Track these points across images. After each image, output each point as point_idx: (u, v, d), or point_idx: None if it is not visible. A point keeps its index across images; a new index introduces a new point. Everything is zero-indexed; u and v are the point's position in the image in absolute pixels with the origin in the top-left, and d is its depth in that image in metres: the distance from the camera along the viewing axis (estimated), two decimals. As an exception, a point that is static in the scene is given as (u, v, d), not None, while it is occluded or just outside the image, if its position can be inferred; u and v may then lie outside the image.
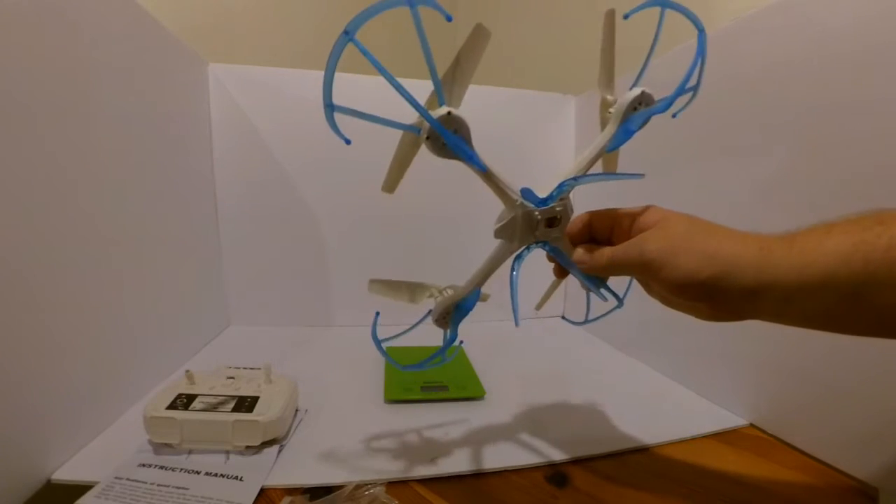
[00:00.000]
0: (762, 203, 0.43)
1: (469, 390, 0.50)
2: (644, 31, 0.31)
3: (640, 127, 0.31)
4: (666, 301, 0.30)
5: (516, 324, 0.32)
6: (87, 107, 0.40)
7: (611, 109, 0.33)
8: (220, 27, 0.88)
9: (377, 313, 0.34)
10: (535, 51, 1.02)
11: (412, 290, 0.37)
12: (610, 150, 0.33)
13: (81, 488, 0.32)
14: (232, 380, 0.42)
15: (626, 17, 0.29)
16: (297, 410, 0.44)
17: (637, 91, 0.31)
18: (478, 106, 0.80)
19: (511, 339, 0.72)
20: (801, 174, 0.40)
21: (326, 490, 0.33)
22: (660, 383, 0.55)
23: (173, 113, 0.57)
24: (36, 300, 0.34)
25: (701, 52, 0.31)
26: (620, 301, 0.35)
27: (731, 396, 0.47)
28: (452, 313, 0.35)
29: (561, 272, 0.36)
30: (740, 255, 0.24)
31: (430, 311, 0.36)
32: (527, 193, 0.30)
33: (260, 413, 0.37)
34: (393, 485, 0.35)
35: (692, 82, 0.32)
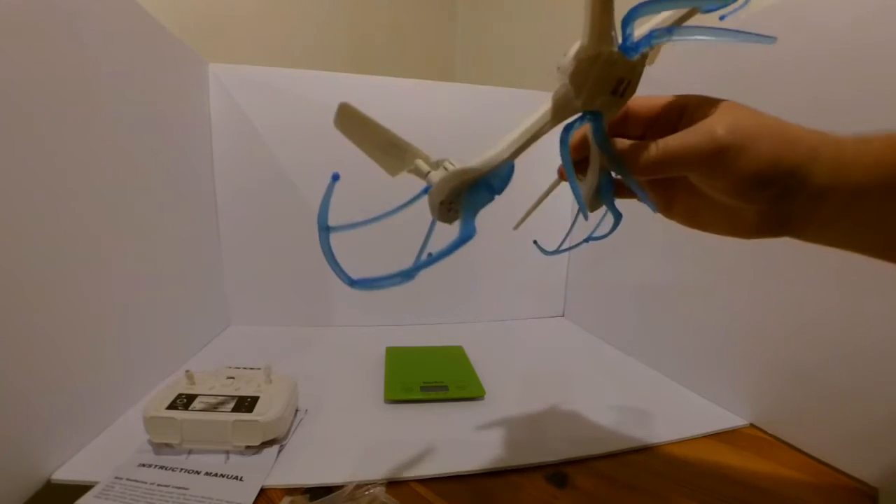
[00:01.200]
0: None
1: (469, 390, 0.50)
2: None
3: None
4: (697, 214, 0.25)
5: (585, 217, 0.24)
6: (87, 107, 0.40)
7: None
8: (220, 27, 0.88)
9: (334, 176, 0.23)
10: (535, 51, 1.02)
11: (392, 147, 0.25)
12: (706, 11, 0.23)
13: (81, 488, 0.32)
14: (232, 380, 0.42)
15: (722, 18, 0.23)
16: (297, 410, 0.44)
17: None
18: (478, 106, 0.80)
19: (511, 339, 0.73)
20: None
21: (326, 490, 0.33)
22: (660, 383, 0.55)
23: (173, 113, 0.57)
24: (36, 300, 0.34)
25: None
26: (617, 219, 0.27)
27: (731, 396, 0.47)
28: (466, 196, 0.23)
29: (577, 168, 0.27)
30: (820, 145, 0.21)
31: (426, 189, 0.24)
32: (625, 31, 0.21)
33: (260, 413, 0.37)
34: (393, 485, 0.35)
35: None
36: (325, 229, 0.22)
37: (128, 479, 0.33)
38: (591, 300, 0.77)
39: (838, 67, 0.37)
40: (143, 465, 0.35)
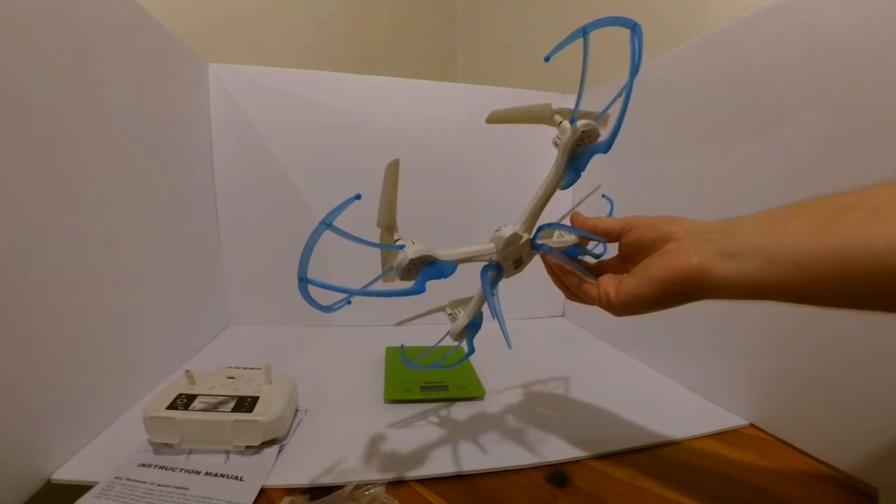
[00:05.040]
0: (760, 201, 0.43)
1: (469, 390, 0.50)
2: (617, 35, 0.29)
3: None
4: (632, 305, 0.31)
5: (509, 345, 0.34)
6: (87, 107, 0.40)
7: (556, 139, 0.31)
8: (220, 27, 0.88)
9: (402, 345, 0.39)
10: (535, 51, 1.02)
11: (432, 312, 0.39)
12: (564, 188, 0.32)
13: (81, 488, 0.32)
14: (232, 380, 0.42)
15: (546, 59, 0.27)
16: (297, 410, 0.44)
17: (581, 125, 0.30)
18: (478, 106, 0.80)
19: (511, 339, 0.72)
20: (799, 173, 0.40)
21: (326, 490, 0.33)
22: (660, 383, 0.55)
23: (173, 113, 0.57)
24: (36, 300, 0.34)
25: (636, 53, 0.27)
26: (469, 353, 0.38)
27: (731, 396, 0.47)
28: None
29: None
30: (704, 268, 0.27)
31: (447, 333, 0.38)
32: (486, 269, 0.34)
33: (260, 413, 0.37)
34: (393, 485, 0.35)
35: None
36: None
37: (128, 479, 0.33)
38: (591, 300, 0.77)
39: (839, 67, 0.37)
40: (143, 465, 0.35)
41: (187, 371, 0.41)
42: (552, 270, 0.36)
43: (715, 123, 0.48)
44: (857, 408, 0.36)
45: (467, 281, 0.36)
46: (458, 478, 0.36)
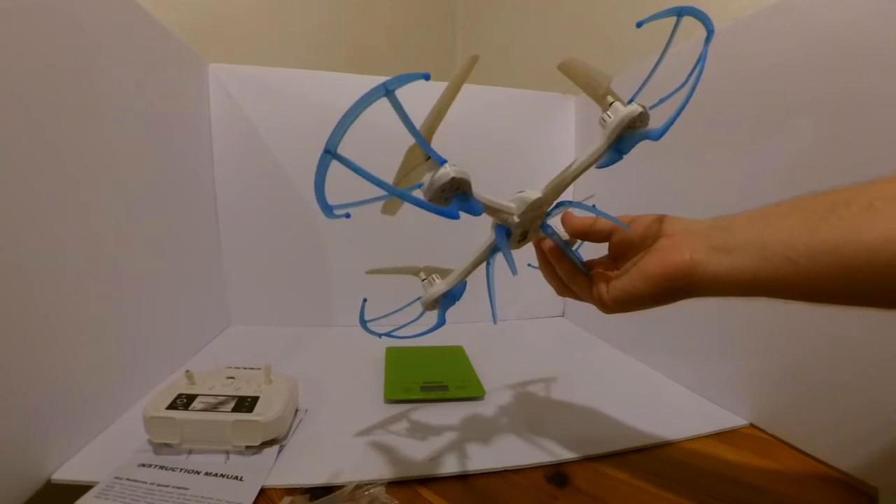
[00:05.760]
0: (760, 202, 0.43)
1: (469, 390, 0.50)
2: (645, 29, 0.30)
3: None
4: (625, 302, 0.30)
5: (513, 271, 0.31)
6: (87, 106, 0.40)
7: (606, 115, 0.31)
8: (220, 27, 0.88)
9: (364, 300, 0.36)
10: (535, 51, 1.02)
11: (405, 271, 0.38)
12: (601, 167, 0.32)
13: (81, 488, 0.32)
14: (232, 380, 0.42)
15: (639, 25, 0.27)
16: (297, 410, 0.44)
17: (636, 109, 0.29)
18: (478, 106, 0.80)
19: (511, 339, 0.72)
20: (799, 173, 0.40)
21: (326, 490, 0.33)
22: (660, 383, 0.55)
23: (173, 112, 0.57)
24: (36, 300, 0.34)
25: (704, 57, 0.30)
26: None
27: (730, 396, 0.47)
28: (441, 300, 0.35)
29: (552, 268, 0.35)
30: (697, 265, 0.27)
31: (419, 298, 0.36)
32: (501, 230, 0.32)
33: (260, 413, 0.37)
34: (393, 485, 0.35)
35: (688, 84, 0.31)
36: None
37: (128, 479, 0.33)
38: (591, 300, 0.77)
39: (838, 67, 0.37)
40: (143, 465, 0.35)
41: (187, 371, 0.41)
42: (546, 259, 0.35)
43: (714, 124, 0.48)
44: (858, 408, 0.36)
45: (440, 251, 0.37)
46: (458, 478, 0.36)
